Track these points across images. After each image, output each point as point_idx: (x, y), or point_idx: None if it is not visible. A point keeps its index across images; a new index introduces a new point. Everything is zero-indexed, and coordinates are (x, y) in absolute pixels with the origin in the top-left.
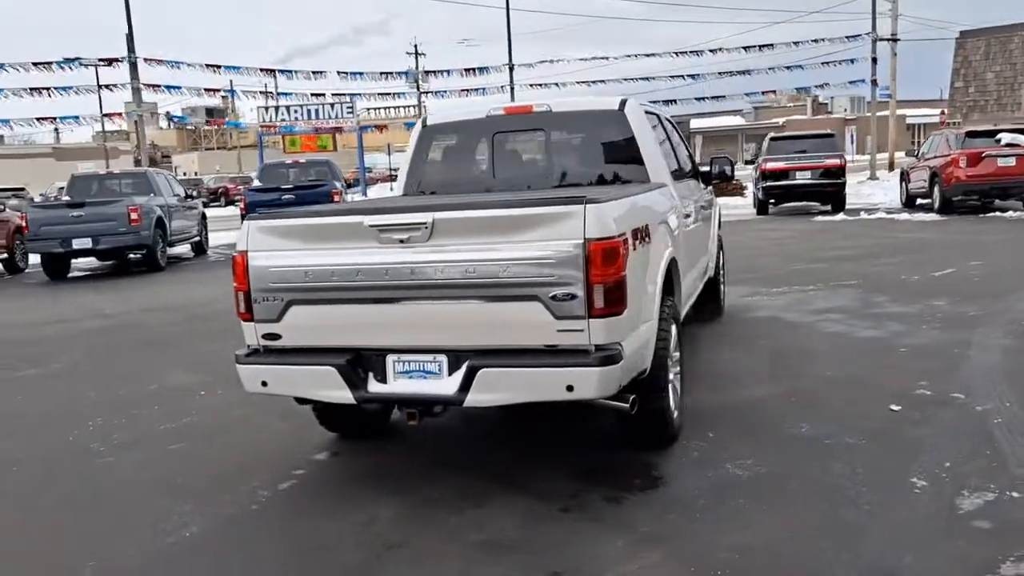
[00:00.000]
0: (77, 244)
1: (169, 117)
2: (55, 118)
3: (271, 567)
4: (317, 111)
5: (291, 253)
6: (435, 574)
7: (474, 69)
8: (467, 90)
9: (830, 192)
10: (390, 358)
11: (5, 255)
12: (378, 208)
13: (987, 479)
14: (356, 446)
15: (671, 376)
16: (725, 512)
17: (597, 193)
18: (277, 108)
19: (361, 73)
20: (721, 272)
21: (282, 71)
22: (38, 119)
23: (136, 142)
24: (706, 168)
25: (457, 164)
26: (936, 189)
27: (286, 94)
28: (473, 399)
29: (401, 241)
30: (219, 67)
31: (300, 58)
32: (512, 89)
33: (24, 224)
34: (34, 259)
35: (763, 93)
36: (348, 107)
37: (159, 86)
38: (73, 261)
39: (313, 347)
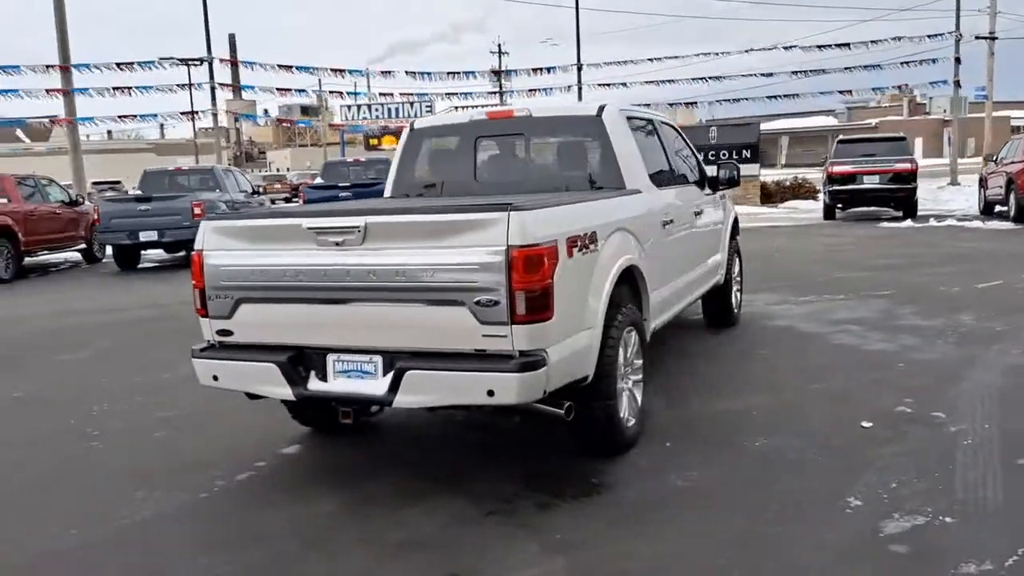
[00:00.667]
0: (144, 236)
1: (236, 118)
2: (135, 116)
3: (195, 554)
4: (396, 110)
5: (240, 253)
6: (336, 572)
7: (541, 69)
8: (534, 90)
9: (900, 197)
10: (331, 357)
11: (84, 246)
12: (317, 211)
13: (926, 502)
14: (324, 441)
15: (624, 384)
16: (650, 522)
17: (529, 200)
18: (359, 107)
19: (429, 73)
20: (735, 279)
21: (351, 71)
22: (119, 116)
23: (233, 138)
24: (713, 174)
25: (442, 167)
26: (1012, 196)
27: (386, 93)
28: (401, 400)
29: (337, 244)
30: (291, 67)
31: (400, 55)
32: (580, 88)
33: (97, 217)
34: (109, 250)
35: (840, 92)
36: (427, 105)
37: (229, 85)
38: (143, 252)
39: (261, 344)
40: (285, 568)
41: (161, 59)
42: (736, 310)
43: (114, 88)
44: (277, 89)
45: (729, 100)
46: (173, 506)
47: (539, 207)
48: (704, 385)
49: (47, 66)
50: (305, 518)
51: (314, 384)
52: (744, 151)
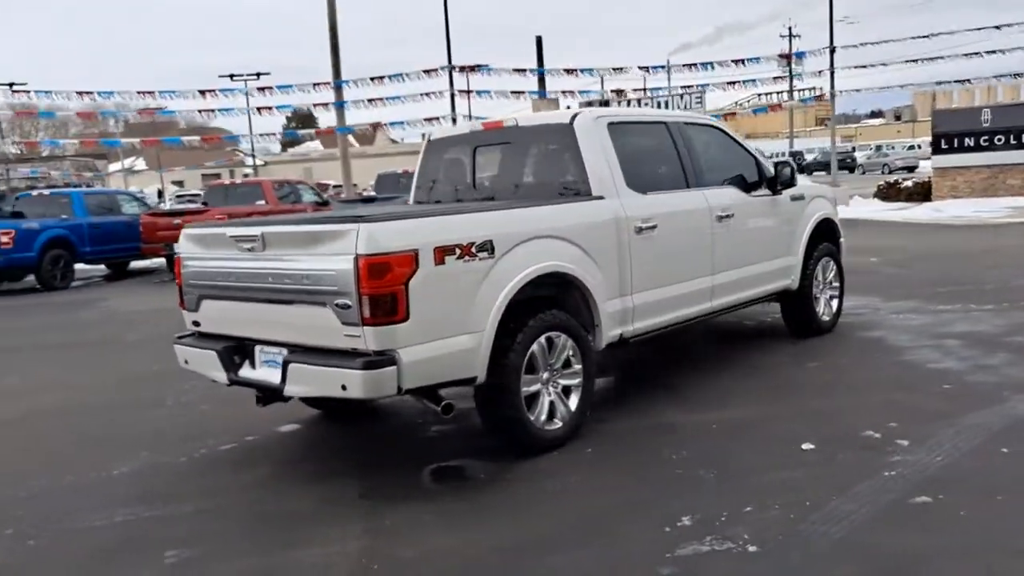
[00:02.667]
0: None
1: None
2: (384, 124)
3: (138, 501)
4: (667, 103)
5: (199, 257)
6: (217, 526)
7: (830, 48)
8: (820, 71)
9: None
10: (257, 349)
11: None
12: (240, 222)
13: (748, 529)
14: (322, 423)
15: (543, 388)
16: (480, 520)
17: (390, 212)
18: (628, 101)
19: (712, 64)
20: (827, 285)
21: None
22: (372, 126)
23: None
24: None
25: (451, 175)
26: None
27: (656, 89)
28: (288, 389)
29: (249, 250)
30: (523, 70)
31: (730, 36)
32: (832, 73)
33: None
34: None
35: None
36: (698, 98)
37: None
38: None
39: (217, 334)
40: (177, 521)
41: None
42: (827, 318)
43: (369, 99)
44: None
45: None
46: (147, 466)
47: (394, 219)
48: (690, 395)
49: (314, 84)
50: (233, 486)
51: (244, 371)
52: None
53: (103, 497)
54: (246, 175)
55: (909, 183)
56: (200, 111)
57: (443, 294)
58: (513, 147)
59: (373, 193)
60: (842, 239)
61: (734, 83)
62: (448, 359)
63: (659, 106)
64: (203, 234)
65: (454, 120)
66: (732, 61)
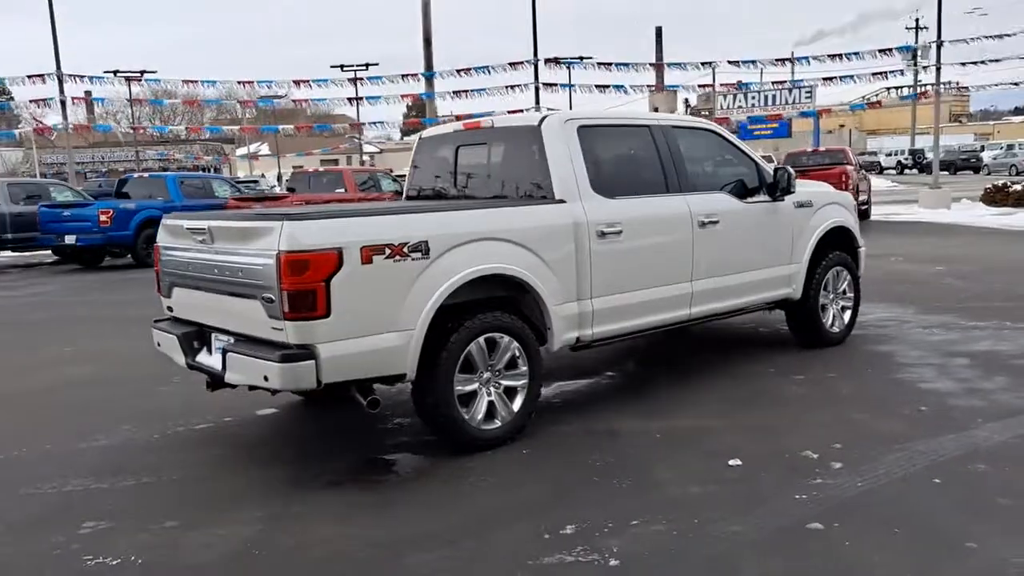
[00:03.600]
0: None
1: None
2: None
3: (92, 472)
4: (773, 97)
5: (170, 245)
6: (127, 500)
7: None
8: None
9: None
10: (214, 335)
11: None
12: (195, 215)
13: (622, 543)
14: (300, 409)
15: (481, 388)
16: (376, 514)
17: (317, 211)
18: (735, 95)
19: (852, 56)
20: (839, 295)
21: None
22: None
23: None
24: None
25: (436, 173)
26: None
27: (797, 82)
28: (228, 376)
29: (202, 242)
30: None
31: (878, 22)
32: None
33: None
34: None
35: None
36: (807, 92)
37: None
38: None
39: (185, 319)
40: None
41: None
42: (836, 330)
43: (453, 91)
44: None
45: None
46: (121, 439)
47: (320, 217)
48: (652, 401)
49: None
50: (183, 464)
51: (201, 356)
52: None
53: (65, 466)
54: (363, 162)
55: (1019, 187)
56: (300, 101)
57: (370, 292)
58: (489, 148)
59: None
60: (861, 248)
61: (851, 77)
62: (373, 356)
63: (767, 100)
64: (172, 225)
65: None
66: (846, 55)
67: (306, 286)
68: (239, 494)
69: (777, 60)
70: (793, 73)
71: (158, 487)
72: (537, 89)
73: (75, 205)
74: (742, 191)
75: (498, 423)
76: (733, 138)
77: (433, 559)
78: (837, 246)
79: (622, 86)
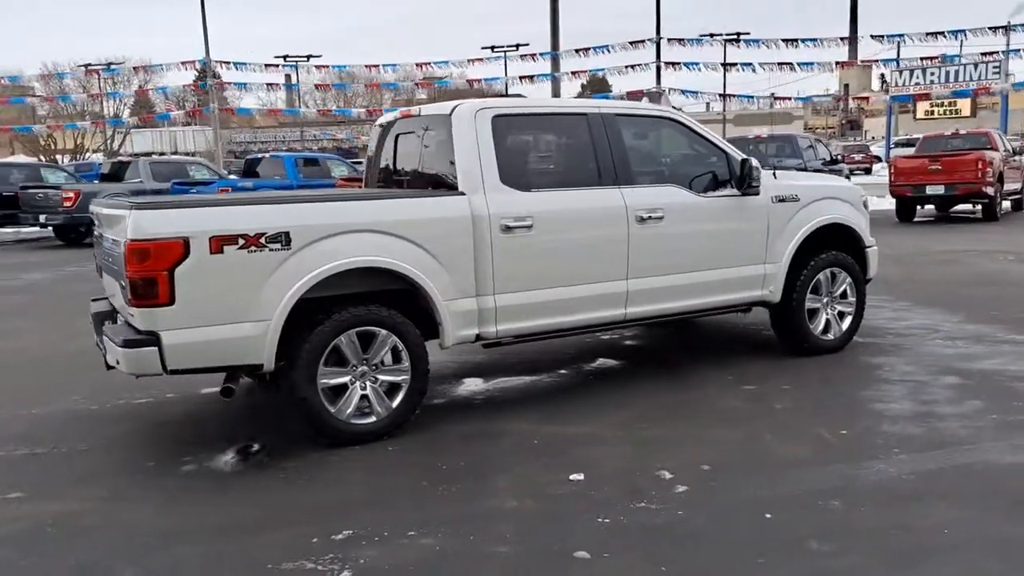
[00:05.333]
0: None
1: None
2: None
3: (15, 440)
4: (955, 73)
5: (96, 231)
6: (23, 469)
7: None
8: None
9: None
10: (117, 317)
11: None
12: (106, 202)
13: (371, 554)
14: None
15: (343, 381)
16: (191, 501)
17: (170, 200)
18: (911, 71)
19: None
20: (836, 299)
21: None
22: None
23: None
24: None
25: (383, 160)
26: None
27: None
28: (107, 357)
29: (100, 226)
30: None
31: None
32: None
33: None
34: None
35: None
36: (995, 67)
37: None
38: None
39: (102, 300)
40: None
41: None
42: (830, 336)
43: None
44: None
45: None
46: (73, 410)
47: (168, 207)
48: (567, 403)
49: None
50: (97, 436)
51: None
52: None
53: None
54: None
55: None
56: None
57: (220, 282)
58: (417, 136)
59: None
60: (870, 248)
61: None
62: (224, 345)
63: (947, 77)
64: (94, 211)
65: (652, 94)
66: None
67: (148, 274)
68: (103, 471)
69: (988, 29)
70: (1008, 44)
71: (47, 458)
72: (658, 68)
73: (202, 183)
74: (705, 184)
75: (373, 418)
76: (699, 127)
77: (193, 552)
78: (837, 245)
79: (789, 63)
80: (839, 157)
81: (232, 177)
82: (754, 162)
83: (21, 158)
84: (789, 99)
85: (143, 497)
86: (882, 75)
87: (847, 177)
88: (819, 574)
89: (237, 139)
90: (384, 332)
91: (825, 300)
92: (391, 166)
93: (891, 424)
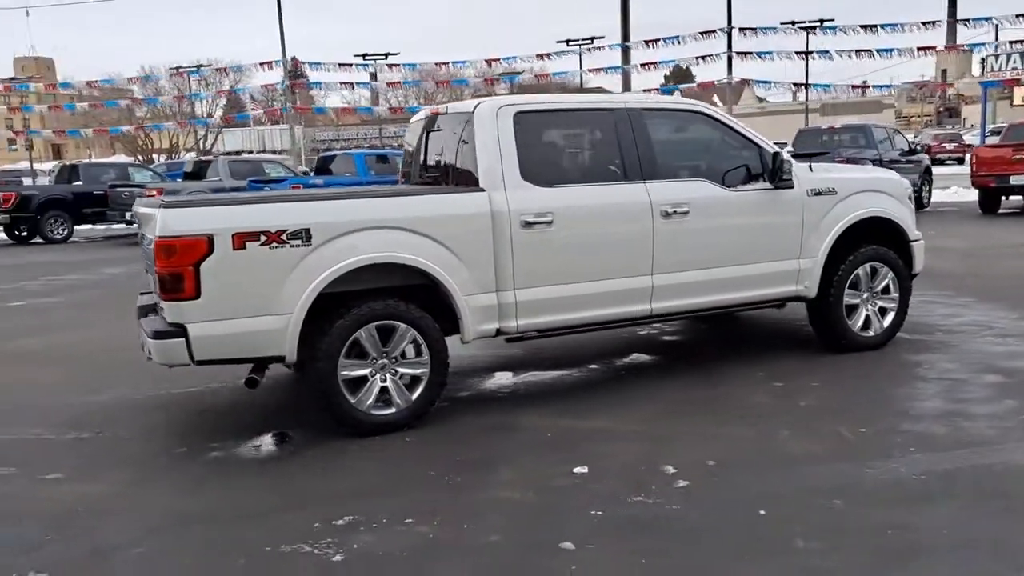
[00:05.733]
0: None
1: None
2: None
3: (53, 425)
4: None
5: (140, 230)
6: (41, 451)
7: None
8: None
9: None
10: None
11: None
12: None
13: (365, 539)
14: (288, 381)
15: (363, 373)
16: (193, 487)
17: (200, 199)
18: (1008, 56)
19: None
20: (859, 294)
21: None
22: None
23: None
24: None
25: (414, 156)
26: None
27: None
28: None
29: (141, 226)
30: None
31: None
32: None
33: None
34: None
35: None
36: None
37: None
38: None
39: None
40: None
41: None
42: (870, 333)
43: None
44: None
45: None
46: (118, 398)
47: (195, 205)
48: (591, 397)
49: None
50: (126, 425)
51: None
52: None
53: (34, 418)
54: None
55: None
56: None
57: (243, 276)
58: (445, 134)
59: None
60: (916, 242)
61: None
62: (248, 337)
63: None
64: (135, 210)
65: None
66: None
67: (175, 269)
68: (137, 457)
69: None
70: None
71: (90, 443)
72: (730, 59)
73: (275, 180)
74: (735, 178)
75: (392, 409)
76: (731, 121)
77: (198, 535)
78: (874, 239)
79: (868, 50)
80: (918, 147)
81: (306, 174)
82: (785, 155)
83: (121, 158)
84: (868, 87)
85: (168, 481)
86: (983, 60)
87: (927, 168)
88: (798, 572)
89: (320, 137)
90: (403, 326)
91: (865, 296)
92: (423, 163)
93: (914, 423)
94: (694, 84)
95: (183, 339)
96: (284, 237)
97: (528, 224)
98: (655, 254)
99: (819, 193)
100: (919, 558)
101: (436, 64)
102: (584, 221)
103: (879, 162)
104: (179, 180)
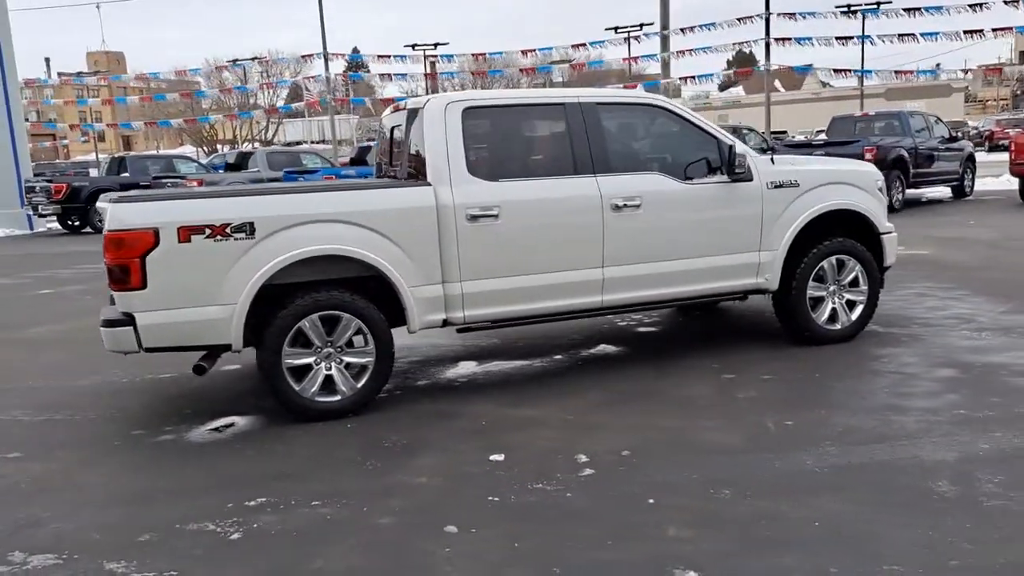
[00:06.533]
0: None
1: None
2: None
3: (39, 406)
4: None
5: None
6: (20, 432)
7: None
8: None
9: None
10: None
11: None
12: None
13: (264, 520)
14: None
15: (307, 362)
16: (130, 469)
17: (146, 195)
18: None
19: None
20: (823, 287)
21: None
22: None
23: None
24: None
25: (383, 151)
26: None
27: None
28: None
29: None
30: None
31: None
32: None
33: None
34: None
35: None
36: None
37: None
38: None
39: None
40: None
41: None
42: (837, 326)
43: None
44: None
45: None
46: (108, 381)
47: (143, 200)
48: (543, 388)
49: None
50: (96, 406)
51: None
52: None
53: (18, 400)
54: None
55: None
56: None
57: (189, 268)
58: (404, 129)
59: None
60: (887, 235)
61: None
62: (193, 326)
63: None
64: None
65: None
66: None
67: (123, 261)
68: (94, 437)
69: None
70: None
71: (60, 424)
72: (767, 44)
73: (309, 171)
74: (691, 172)
75: (338, 397)
76: (689, 114)
77: (118, 513)
78: (848, 232)
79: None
80: (959, 135)
81: (340, 165)
82: (739, 148)
83: (188, 149)
84: (912, 72)
85: (115, 462)
86: None
87: (970, 156)
88: (655, 558)
89: (374, 127)
90: (348, 316)
91: (832, 288)
92: (389, 157)
93: (847, 416)
94: (760, 67)
95: (131, 328)
96: (228, 230)
97: (474, 217)
98: (606, 247)
99: (780, 186)
100: (776, 548)
101: (474, 55)
102: (531, 214)
103: (914, 150)
104: (220, 171)
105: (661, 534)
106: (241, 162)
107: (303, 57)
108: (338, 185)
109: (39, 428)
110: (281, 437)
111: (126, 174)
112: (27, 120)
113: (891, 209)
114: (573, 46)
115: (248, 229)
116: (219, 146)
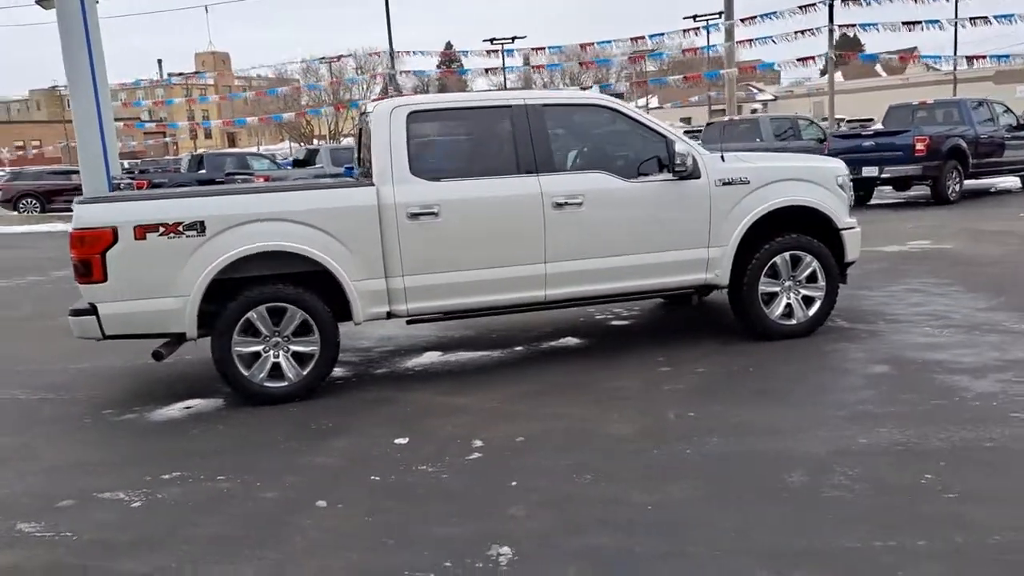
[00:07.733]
0: (866, 172)
1: None
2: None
3: (32, 386)
4: None
5: None
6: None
7: None
8: None
9: None
10: None
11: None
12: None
13: (169, 492)
14: None
15: (256, 350)
16: (82, 444)
17: (112, 196)
18: None
19: None
20: (778, 283)
21: None
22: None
23: None
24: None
25: (358, 150)
26: None
27: None
28: None
29: None
30: None
31: None
32: None
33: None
34: None
35: None
36: None
37: None
38: (880, 189)
39: None
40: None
41: None
42: (792, 322)
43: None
44: None
45: None
46: (106, 365)
47: (104, 201)
48: (485, 379)
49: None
50: (82, 388)
51: None
52: None
53: (23, 381)
54: (754, 111)
55: None
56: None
57: (145, 263)
58: (366, 131)
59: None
60: (847, 230)
61: None
62: (150, 316)
63: None
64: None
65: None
66: None
67: (85, 257)
68: (70, 416)
69: None
70: None
71: (47, 403)
72: (831, 32)
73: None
74: (636, 170)
75: (285, 383)
76: (636, 113)
77: (51, 480)
78: (799, 228)
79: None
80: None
81: None
82: (681, 147)
83: (285, 144)
84: (984, 57)
85: (75, 437)
86: None
87: None
88: (482, 534)
89: None
90: (292, 308)
91: (786, 284)
92: (358, 157)
93: (750, 410)
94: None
95: (94, 316)
96: (181, 228)
97: (414, 215)
98: (547, 243)
99: (729, 183)
100: (598, 529)
101: (532, 49)
102: (470, 212)
103: (974, 139)
104: (289, 167)
105: (502, 513)
106: (309, 158)
107: (399, 53)
108: (287, 186)
109: (30, 406)
110: (226, 419)
111: (203, 171)
112: (142, 120)
113: (946, 200)
114: (634, 39)
115: (199, 227)
116: (315, 141)
